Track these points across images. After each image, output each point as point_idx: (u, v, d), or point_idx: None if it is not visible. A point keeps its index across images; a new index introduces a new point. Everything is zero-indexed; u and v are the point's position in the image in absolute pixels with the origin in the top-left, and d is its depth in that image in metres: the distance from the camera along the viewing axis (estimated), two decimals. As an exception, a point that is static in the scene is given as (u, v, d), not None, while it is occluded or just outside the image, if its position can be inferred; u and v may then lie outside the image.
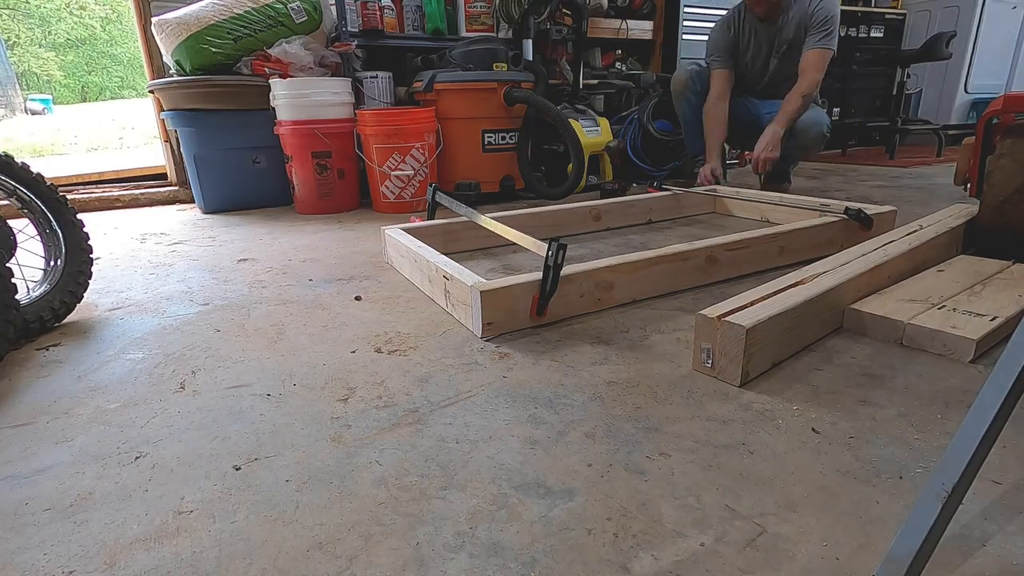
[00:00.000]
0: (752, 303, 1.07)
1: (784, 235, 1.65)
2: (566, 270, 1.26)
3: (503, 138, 2.86)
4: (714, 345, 1.02)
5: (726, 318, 1.00)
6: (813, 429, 0.87)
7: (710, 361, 1.03)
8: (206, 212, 2.85)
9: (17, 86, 12.73)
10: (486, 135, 2.82)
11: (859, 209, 1.81)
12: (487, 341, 1.21)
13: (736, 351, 0.99)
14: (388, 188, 2.67)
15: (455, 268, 1.35)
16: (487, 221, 1.68)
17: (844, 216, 1.79)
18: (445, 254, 1.50)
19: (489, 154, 2.85)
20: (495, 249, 1.97)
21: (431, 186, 2.02)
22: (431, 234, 1.83)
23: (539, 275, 1.24)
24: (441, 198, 1.97)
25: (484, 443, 0.85)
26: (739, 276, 1.60)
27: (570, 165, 2.86)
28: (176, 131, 2.85)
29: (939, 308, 1.20)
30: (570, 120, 2.82)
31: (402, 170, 2.63)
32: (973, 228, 1.65)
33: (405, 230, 1.79)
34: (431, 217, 2.00)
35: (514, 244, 1.95)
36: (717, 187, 2.56)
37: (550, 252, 1.20)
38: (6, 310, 1.15)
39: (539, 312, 1.27)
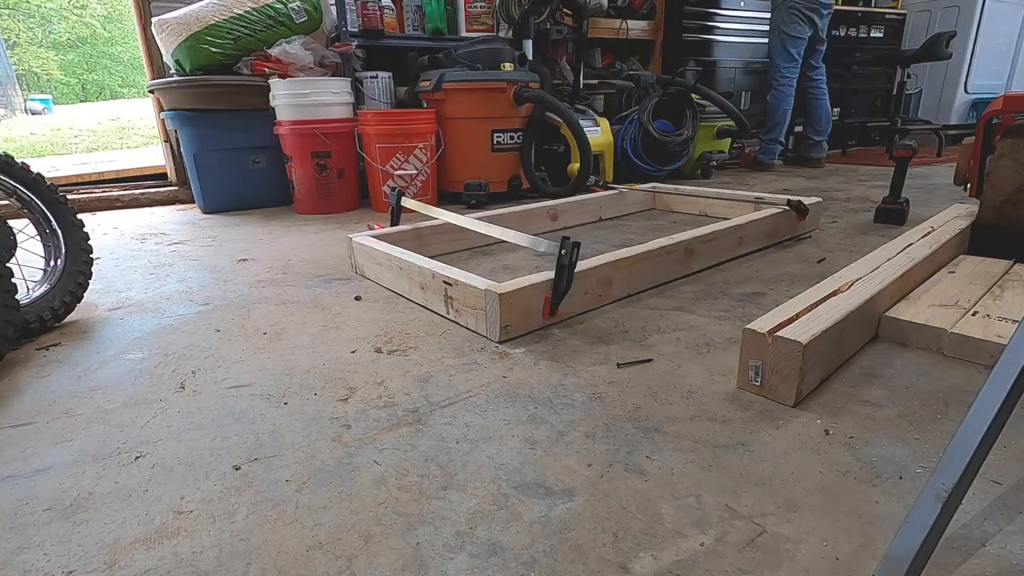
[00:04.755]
0: (797, 315, 1.01)
1: (743, 227, 1.78)
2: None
3: (511, 138, 2.86)
4: (765, 362, 0.95)
5: (778, 333, 0.93)
6: (814, 429, 0.87)
7: (759, 379, 0.97)
8: (206, 212, 2.85)
9: (17, 86, 12.72)
10: (495, 135, 2.82)
11: (799, 200, 1.99)
12: (487, 341, 1.21)
13: (791, 369, 0.92)
14: (390, 188, 2.67)
15: (457, 273, 1.32)
16: (470, 222, 1.67)
17: (787, 208, 1.96)
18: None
19: (497, 154, 2.85)
20: (464, 252, 1.95)
21: (394, 190, 1.96)
22: (403, 239, 1.78)
23: (549, 274, 1.24)
24: (407, 202, 1.93)
25: (484, 443, 0.85)
26: (712, 266, 1.71)
27: (571, 165, 2.86)
28: (176, 131, 2.86)
29: (972, 314, 1.15)
30: (570, 120, 2.82)
31: (405, 170, 2.63)
32: (974, 228, 1.65)
33: (377, 237, 1.72)
34: (395, 223, 1.92)
35: (480, 245, 1.95)
36: (657, 184, 2.70)
37: (563, 251, 1.19)
38: (6, 310, 1.15)
39: (552, 311, 1.26)
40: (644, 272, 1.49)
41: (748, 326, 0.97)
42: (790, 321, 0.99)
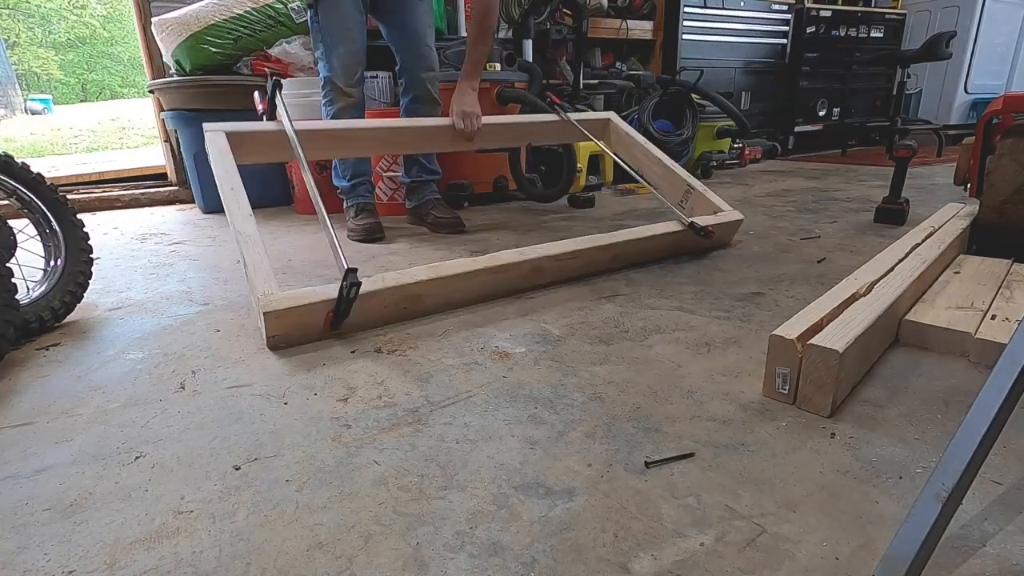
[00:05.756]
0: (823, 320, 0.98)
1: (617, 245, 1.59)
2: (368, 286, 1.23)
3: None
4: (794, 371, 0.92)
5: (811, 341, 0.90)
6: (814, 429, 0.87)
7: (787, 388, 0.93)
8: (206, 212, 2.85)
9: (17, 86, 12.72)
10: None
11: (704, 228, 1.72)
12: (487, 340, 1.21)
13: (827, 378, 0.89)
14: (381, 190, 2.65)
15: (262, 272, 1.24)
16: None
17: (683, 229, 1.72)
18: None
19: (482, 154, 2.83)
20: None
21: (272, 77, 1.67)
22: (268, 143, 1.58)
23: (333, 290, 1.20)
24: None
25: (484, 443, 0.85)
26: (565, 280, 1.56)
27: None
28: (176, 131, 2.86)
29: (992, 318, 1.13)
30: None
31: (394, 171, 2.61)
32: (973, 228, 1.65)
33: (229, 134, 1.49)
34: (271, 117, 1.67)
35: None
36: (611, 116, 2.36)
37: (344, 283, 1.16)
38: (6, 310, 1.15)
39: (334, 327, 1.24)
40: (472, 288, 1.40)
41: (775, 332, 0.94)
42: (818, 327, 0.96)
